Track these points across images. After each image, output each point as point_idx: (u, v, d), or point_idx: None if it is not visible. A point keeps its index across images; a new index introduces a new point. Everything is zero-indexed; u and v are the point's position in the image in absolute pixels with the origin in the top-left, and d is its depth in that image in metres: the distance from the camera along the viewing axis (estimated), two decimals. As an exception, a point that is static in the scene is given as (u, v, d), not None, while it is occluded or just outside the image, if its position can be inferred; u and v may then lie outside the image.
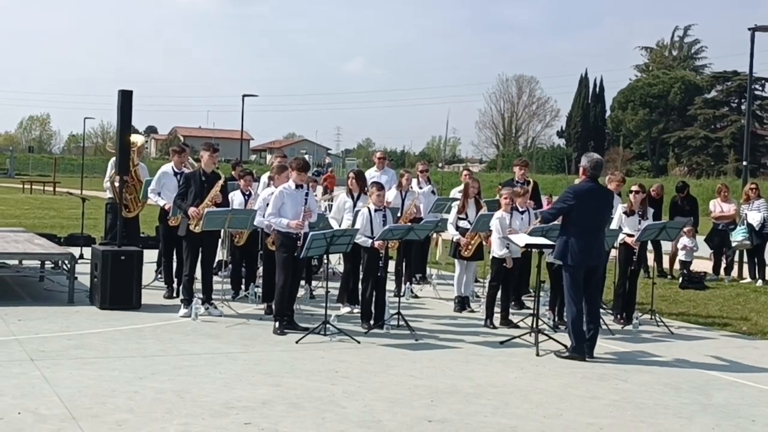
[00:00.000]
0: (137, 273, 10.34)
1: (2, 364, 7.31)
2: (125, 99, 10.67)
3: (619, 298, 10.90)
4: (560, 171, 66.26)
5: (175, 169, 11.31)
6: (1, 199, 34.42)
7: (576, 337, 8.66)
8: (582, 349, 8.62)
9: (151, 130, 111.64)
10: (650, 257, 13.46)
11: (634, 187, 11.20)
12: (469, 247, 11.01)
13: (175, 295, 11.04)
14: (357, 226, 9.96)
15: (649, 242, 11.97)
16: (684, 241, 15.11)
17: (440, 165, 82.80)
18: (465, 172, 13.79)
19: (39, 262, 11.72)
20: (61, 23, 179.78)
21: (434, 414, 6.44)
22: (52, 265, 11.50)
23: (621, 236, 10.72)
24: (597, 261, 8.91)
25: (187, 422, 5.93)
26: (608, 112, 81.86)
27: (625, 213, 10.94)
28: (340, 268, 11.98)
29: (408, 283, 12.27)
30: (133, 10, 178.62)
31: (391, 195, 11.99)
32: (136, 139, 12.39)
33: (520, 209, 10.72)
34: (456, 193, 13.60)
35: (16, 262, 11.87)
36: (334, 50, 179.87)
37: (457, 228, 11.14)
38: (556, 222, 9.77)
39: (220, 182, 10.15)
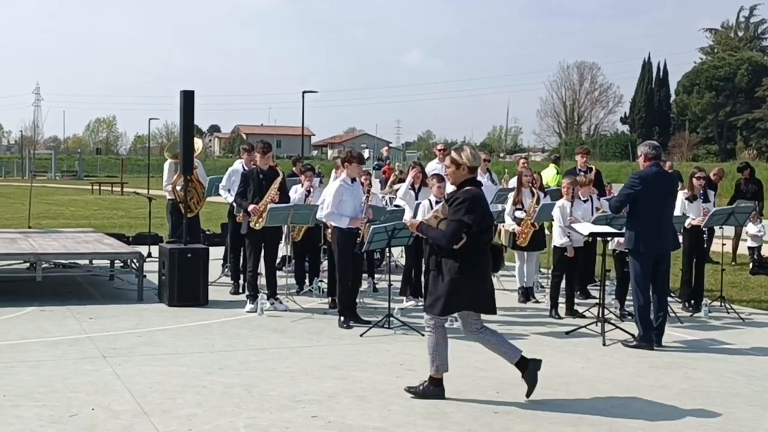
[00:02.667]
0: (204, 270, 10.50)
1: (76, 361, 7.51)
2: (187, 99, 10.82)
3: (686, 285, 10.71)
4: (624, 158, 65.28)
5: (245, 167, 11.46)
6: (71, 200, 35.27)
7: (643, 326, 8.53)
8: (650, 338, 8.50)
9: (214, 129, 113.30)
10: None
11: (698, 173, 10.95)
12: (524, 236, 10.93)
13: (241, 291, 11.20)
14: (419, 218, 9.95)
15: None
16: (749, 227, 14.76)
17: (501, 155, 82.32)
18: (521, 161, 13.67)
19: (109, 262, 11.98)
20: (123, 26, 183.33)
21: (500, 405, 6.41)
22: (122, 264, 11.74)
23: (687, 221, 10.54)
24: (667, 247, 8.74)
25: (255, 416, 6.02)
26: (673, 97, 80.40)
27: (687, 199, 10.73)
28: (403, 261, 12.00)
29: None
30: (194, 10, 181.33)
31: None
32: (196, 143, 12.55)
33: (583, 198, 10.60)
34: (514, 183, 13.49)
35: (86, 261, 12.16)
36: (391, 43, 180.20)
37: (514, 218, 11.08)
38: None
39: (278, 180, 10.22)
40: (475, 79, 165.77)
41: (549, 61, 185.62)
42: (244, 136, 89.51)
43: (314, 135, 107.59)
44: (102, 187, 44.14)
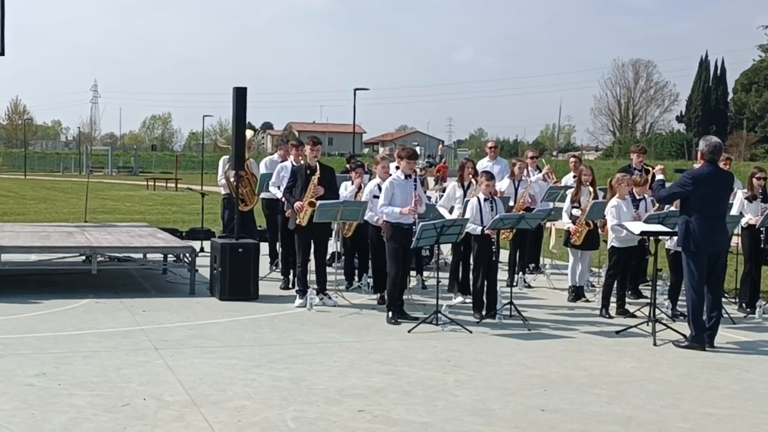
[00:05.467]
0: (255, 264, 10.62)
1: (129, 352, 7.66)
2: (240, 96, 10.94)
3: (747, 286, 10.52)
4: (680, 157, 64.35)
5: (293, 163, 11.55)
6: (127, 195, 35.88)
7: (695, 326, 8.42)
8: (702, 339, 8.38)
9: (266, 126, 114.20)
10: None
11: (759, 173, 10.78)
12: (578, 234, 10.85)
13: (290, 286, 11.30)
14: (467, 215, 9.96)
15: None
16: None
17: (554, 153, 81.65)
18: (572, 159, 13.55)
19: (162, 256, 12.18)
20: (179, 25, 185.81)
21: (547, 403, 6.39)
22: (175, 259, 11.93)
23: (744, 221, 10.39)
24: (720, 247, 8.63)
25: (302, 409, 6.08)
26: (730, 95, 78.88)
27: (747, 198, 10.58)
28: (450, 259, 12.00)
29: (521, 273, 12.17)
30: (248, 8, 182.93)
31: (504, 184, 11.93)
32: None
33: (637, 197, 10.50)
34: (568, 180, 13.39)
35: (140, 255, 12.36)
36: (444, 40, 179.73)
37: (570, 216, 11.01)
38: (673, 208, 9.54)
39: (315, 176, 10.24)
40: (528, 77, 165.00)
41: (604, 59, 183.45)
42: (296, 134, 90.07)
43: (365, 132, 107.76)
44: (156, 183, 44.82)
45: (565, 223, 11.23)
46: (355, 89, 42.69)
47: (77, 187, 42.32)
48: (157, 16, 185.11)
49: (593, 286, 11.85)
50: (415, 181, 9.66)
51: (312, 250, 10.38)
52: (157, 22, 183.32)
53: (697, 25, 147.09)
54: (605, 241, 10.78)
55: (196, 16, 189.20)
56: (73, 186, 43.90)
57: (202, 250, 13.80)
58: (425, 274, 12.28)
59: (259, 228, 14.45)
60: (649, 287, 10.81)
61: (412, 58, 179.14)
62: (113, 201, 31.35)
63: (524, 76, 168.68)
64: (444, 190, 14.65)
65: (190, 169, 71.67)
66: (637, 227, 9.21)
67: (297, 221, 10.24)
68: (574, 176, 12.74)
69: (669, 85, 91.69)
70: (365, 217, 10.56)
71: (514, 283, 11.29)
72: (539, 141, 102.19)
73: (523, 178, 12.18)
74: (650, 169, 11.98)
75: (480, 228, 9.71)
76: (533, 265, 13.35)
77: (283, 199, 11.20)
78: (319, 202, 10.02)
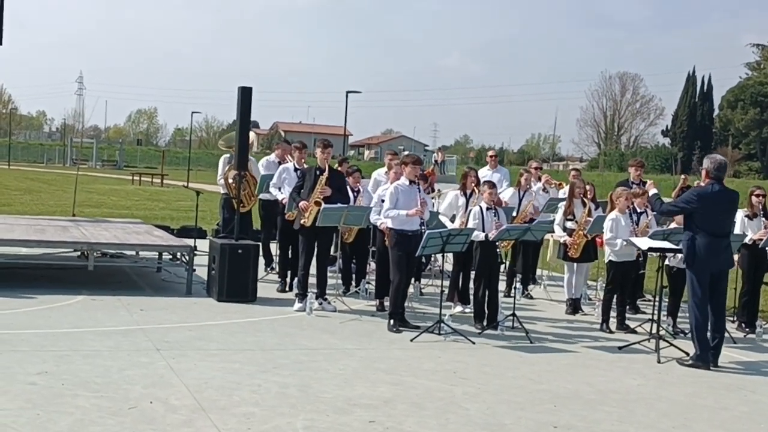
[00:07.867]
0: (254, 266, 10.49)
1: (130, 353, 7.51)
2: (245, 96, 10.79)
3: (745, 305, 10.51)
4: (665, 171, 64.63)
5: (296, 165, 11.43)
6: (113, 190, 35.56)
7: (700, 345, 8.38)
8: (707, 358, 8.34)
9: (252, 125, 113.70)
10: None
11: (757, 191, 10.80)
12: (576, 246, 10.80)
13: (287, 288, 11.18)
14: (470, 224, 9.89)
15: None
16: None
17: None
18: (573, 172, 13.51)
19: (156, 253, 12.01)
20: (167, 19, 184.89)
21: (558, 420, 6.31)
22: (171, 257, 11.76)
23: (748, 237, 10.38)
24: (724, 265, 8.60)
25: (312, 418, 5.97)
26: (716, 111, 79.40)
27: (747, 216, 10.58)
28: (448, 267, 11.92)
29: (519, 284, 12.09)
30: (237, 5, 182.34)
31: (508, 194, 11.88)
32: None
33: (639, 210, 10.47)
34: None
35: (133, 252, 12.19)
36: (432, 45, 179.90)
37: (565, 229, 10.96)
38: (677, 225, 9.52)
39: (323, 176, 10.17)
40: (514, 85, 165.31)
41: (591, 71, 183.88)
42: (282, 134, 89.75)
43: (351, 135, 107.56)
44: (142, 178, 44.49)
45: (558, 236, 11.18)
46: (347, 92, 42.65)
47: (61, 179, 41.96)
48: (144, 8, 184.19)
49: (590, 299, 11.81)
50: (419, 185, 9.61)
51: (315, 253, 10.25)
52: (144, 15, 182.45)
53: (686, 40, 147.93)
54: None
55: (184, 10, 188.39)
56: (58, 178, 43.52)
57: (195, 248, 13.60)
58: (423, 281, 12.18)
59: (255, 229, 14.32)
60: (647, 302, 10.79)
61: (400, 62, 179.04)
62: (99, 195, 31.05)
63: (511, 84, 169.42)
64: (437, 198, 14.60)
65: (174, 165, 71.27)
66: (644, 243, 9.16)
67: (302, 221, 10.12)
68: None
69: (655, 99, 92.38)
70: (371, 219, 10.45)
71: (512, 294, 11.22)
72: (525, 150, 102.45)
73: (528, 189, 12.12)
74: (647, 182, 11.98)
75: (483, 234, 9.64)
76: (530, 275, 13.26)
77: (284, 201, 11.11)
78: (323, 206, 9.91)
